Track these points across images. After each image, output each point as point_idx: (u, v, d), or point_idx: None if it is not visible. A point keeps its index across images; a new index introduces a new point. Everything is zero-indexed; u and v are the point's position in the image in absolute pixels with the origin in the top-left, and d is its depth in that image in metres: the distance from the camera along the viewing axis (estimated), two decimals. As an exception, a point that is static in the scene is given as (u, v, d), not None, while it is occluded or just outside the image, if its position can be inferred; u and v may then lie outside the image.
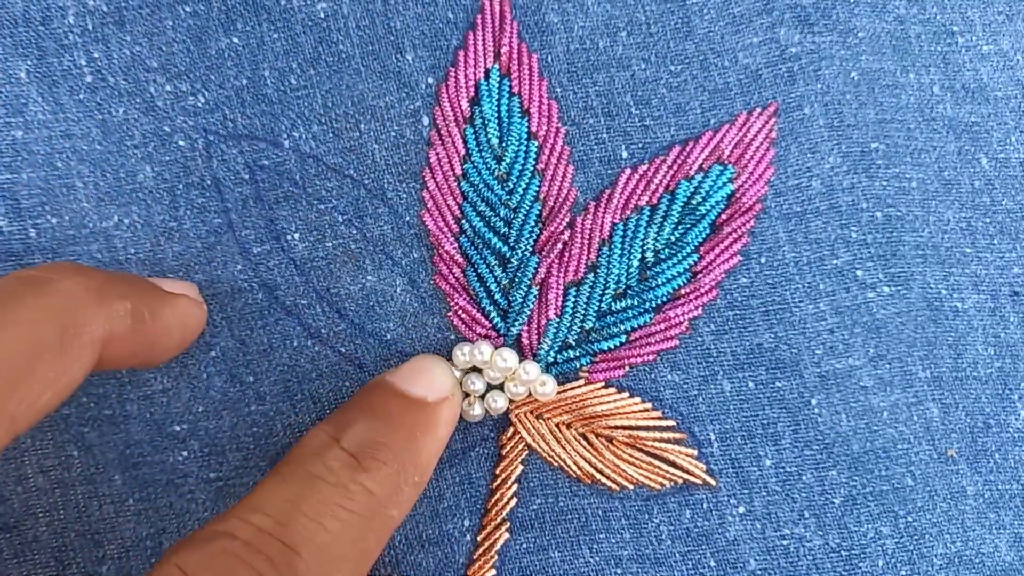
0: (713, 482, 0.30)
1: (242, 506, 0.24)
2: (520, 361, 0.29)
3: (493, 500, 0.30)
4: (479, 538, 0.30)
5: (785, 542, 0.30)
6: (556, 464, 0.30)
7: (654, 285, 0.30)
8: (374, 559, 0.25)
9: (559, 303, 0.30)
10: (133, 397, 0.29)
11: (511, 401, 0.30)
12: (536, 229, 0.30)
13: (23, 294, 0.23)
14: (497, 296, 0.30)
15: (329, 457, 0.25)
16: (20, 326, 0.22)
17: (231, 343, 0.29)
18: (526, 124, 0.30)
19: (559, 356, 0.30)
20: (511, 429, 0.30)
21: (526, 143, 0.30)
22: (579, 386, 0.30)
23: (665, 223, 0.30)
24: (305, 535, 0.23)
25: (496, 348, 0.29)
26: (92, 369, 0.24)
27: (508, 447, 0.30)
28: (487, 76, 0.30)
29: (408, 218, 0.30)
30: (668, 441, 0.30)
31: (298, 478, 0.24)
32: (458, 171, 0.30)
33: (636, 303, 0.30)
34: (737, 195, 0.30)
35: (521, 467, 0.30)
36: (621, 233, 0.30)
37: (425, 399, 0.27)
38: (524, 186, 0.30)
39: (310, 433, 0.26)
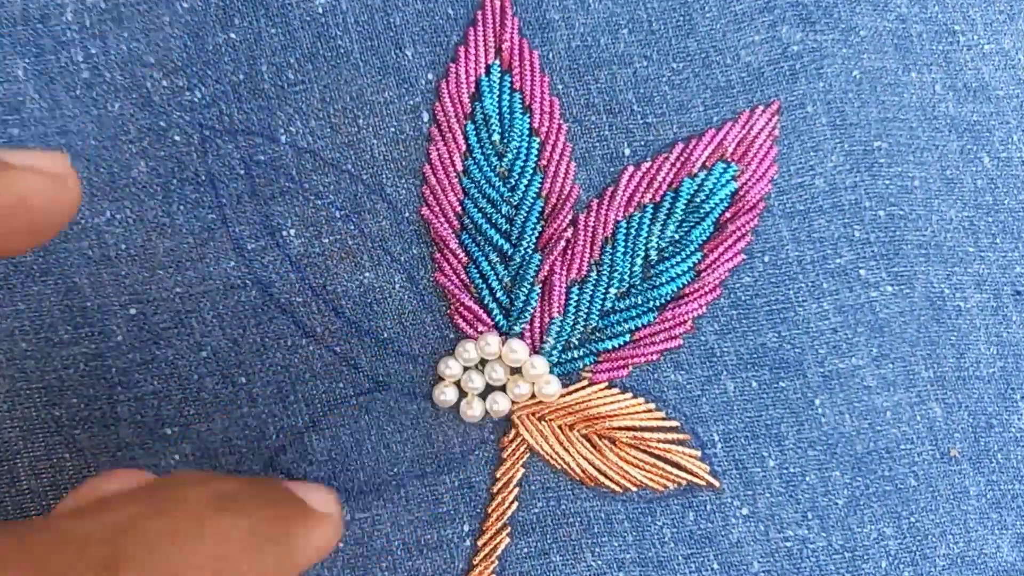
0: (717, 483, 0.29)
1: (84, 508, 0.21)
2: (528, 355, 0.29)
3: (494, 504, 0.29)
4: (479, 543, 0.29)
5: (789, 544, 0.30)
6: (558, 466, 0.29)
7: (658, 284, 0.30)
8: None
9: (562, 301, 0.30)
10: (124, 399, 0.29)
11: (513, 403, 0.29)
12: (538, 226, 0.30)
13: None
14: (499, 294, 0.29)
15: (192, 488, 0.22)
16: None
17: (223, 343, 0.29)
18: (528, 120, 0.30)
19: (563, 356, 0.30)
20: (512, 431, 0.29)
21: (528, 140, 0.30)
22: (582, 387, 0.30)
23: (669, 221, 0.30)
24: (135, 553, 0.20)
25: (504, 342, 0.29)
26: None
27: (509, 449, 0.29)
28: (488, 72, 0.30)
29: (407, 214, 0.29)
30: (672, 442, 0.30)
31: (149, 498, 0.22)
32: (459, 167, 0.29)
33: (640, 302, 0.30)
34: (740, 193, 0.30)
35: (522, 470, 0.29)
36: (624, 231, 0.30)
37: (309, 504, 0.25)
38: (526, 183, 0.30)
39: (181, 471, 0.24)
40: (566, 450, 0.29)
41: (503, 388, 0.29)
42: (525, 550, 0.29)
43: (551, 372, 0.29)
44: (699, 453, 0.30)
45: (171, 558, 0.20)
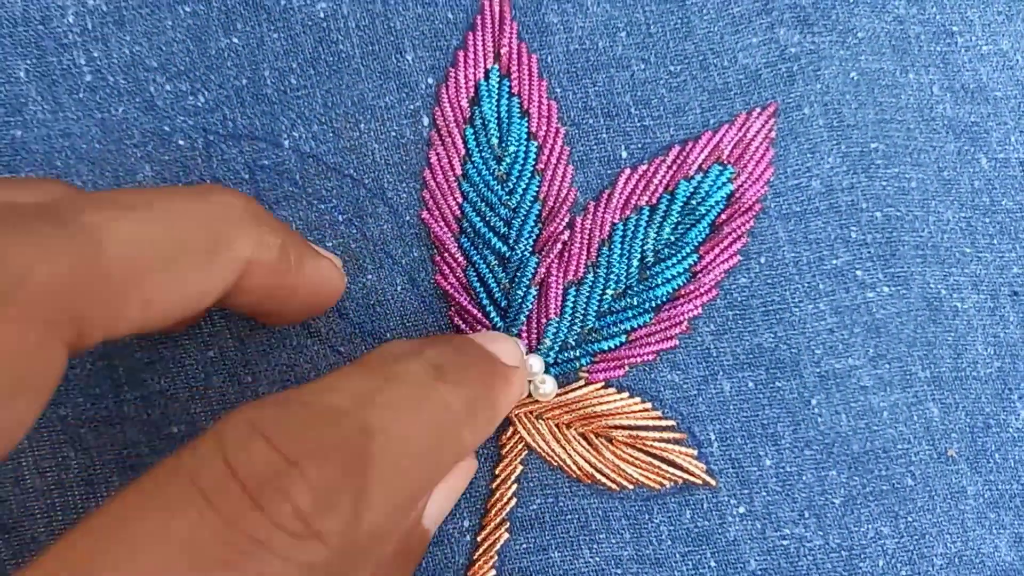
0: (713, 482, 0.30)
1: (316, 384, 0.22)
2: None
3: (493, 500, 0.30)
4: (479, 538, 0.30)
5: (785, 542, 0.30)
6: (556, 464, 0.30)
7: (654, 285, 0.30)
8: (439, 480, 0.25)
9: (559, 303, 0.30)
10: (130, 398, 0.29)
11: (511, 401, 0.30)
12: (536, 229, 0.30)
13: (183, 195, 0.22)
14: (497, 296, 0.30)
15: (411, 361, 0.23)
16: (173, 220, 0.21)
17: (229, 342, 0.29)
18: (526, 124, 0.30)
19: (559, 356, 0.30)
20: (511, 429, 0.30)
21: (526, 143, 0.30)
22: (579, 387, 0.30)
23: (665, 223, 0.30)
24: (381, 423, 0.21)
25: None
26: (229, 291, 0.23)
27: (507, 447, 0.30)
28: (487, 76, 0.30)
29: (408, 217, 0.30)
30: (668, 441, 0.30)
31: (377, 372, 0.23)
32: (458, 171, 0.30)
33: (636, 303, 0.30)
34: (736, 195, 0.30)
35: (521, 467, 0.30)
36: (621, 233, 0.30)
37: (500, 358, 0.26)
38: (524, 186, 0.30)
39: (389, 342, 0.25)
40: (563, 448, 0.30)
41: (502, 387, 0.30)
42: (524, 546, 0.30)
43: (548, 372, 0.30)
44: (695, 452, 0.30)
45: (407, 427, 0.21)
